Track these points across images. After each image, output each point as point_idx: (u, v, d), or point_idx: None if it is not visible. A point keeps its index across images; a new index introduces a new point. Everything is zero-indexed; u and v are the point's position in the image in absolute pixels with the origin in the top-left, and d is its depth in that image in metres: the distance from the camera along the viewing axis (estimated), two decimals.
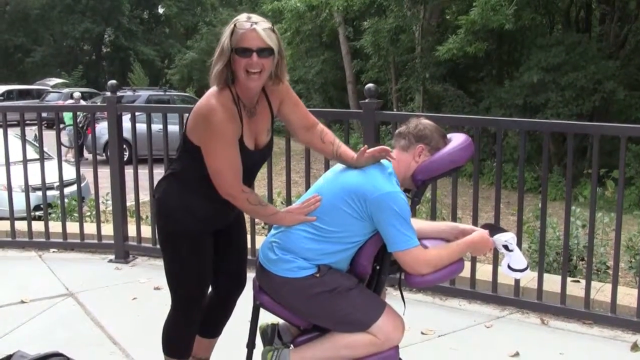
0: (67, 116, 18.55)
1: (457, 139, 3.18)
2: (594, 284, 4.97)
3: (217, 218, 3.20)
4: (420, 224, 3.26)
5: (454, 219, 5.18)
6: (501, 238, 3.15)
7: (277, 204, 7.20)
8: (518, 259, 3.17)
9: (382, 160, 3.10)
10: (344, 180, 3.06)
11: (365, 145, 3.09)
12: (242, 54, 2.87)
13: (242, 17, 2.94)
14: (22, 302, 5.07)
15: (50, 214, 7.40)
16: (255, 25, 2.89)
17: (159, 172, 4.00)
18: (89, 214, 7.83)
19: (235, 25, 2.89)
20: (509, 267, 3.18)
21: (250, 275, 3.32)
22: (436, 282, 3.11)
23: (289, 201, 5.65)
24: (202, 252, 3.18)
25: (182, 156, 3.11)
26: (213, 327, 3.51)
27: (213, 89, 2.97)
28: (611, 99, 17.17)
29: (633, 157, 15.23)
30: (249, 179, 3.10)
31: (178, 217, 3.11)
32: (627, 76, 17.72)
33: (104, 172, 6.11)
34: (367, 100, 5.28)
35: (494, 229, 3.25)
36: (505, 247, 3.14)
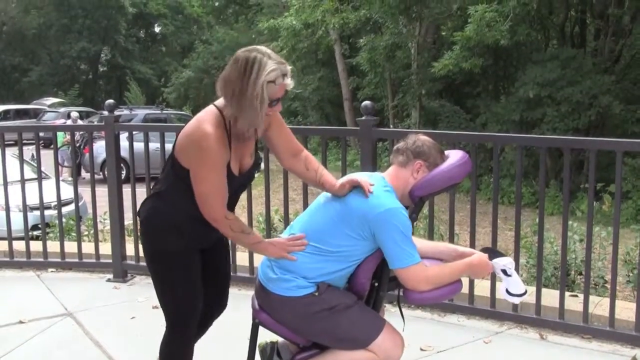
0: (59, 136, 18.55)
1: (454, 156, 3.20)
2: (592, 298, 4.97)
3: (202, 236, 3.19)
4: (420, 243, 3.27)
5: (452, 235, 5.19)
6: (500, 262, 3.17)
7: (275, 221, 7.21)
8: (516, 283, 3.19)
9: (379, 177, 3.12)
10: (343, 199, 3.07)
11: (344, 181, 3.10)
12: (271, 104, 2.93)
13: (278, 68, 2.90)
14: (21, 322, 5.05)
15: (48, 233, 7.40)
16: (288, 80, 2.92)
17: None
18: (86, 233, 7.82)
19: (274, 79, 2.88)
20: (507, 291, 3.20)
21: (249, 293, 3.33)
22: (435, 300, 3.13)
23: (286, 218, 5.65)
24: (192, 269, 3.18)
25: (168, 176, 3.11)
26: None
27: (205, 114, 2.98)
28: (607, 114, 17.20)
29: (630, 171, 15.24)
30: (232, 202, 3.12)
31: (165, 237, 3.11)
32: (623, 90, 17.77)
33: (102, 191, 6.11)
34: (364, 118, 5.30)
35: (493, 252, 3.27)
36: (504, 271, 3.16)
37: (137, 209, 3.36)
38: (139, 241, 3.30)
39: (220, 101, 3.01)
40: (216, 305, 3.44)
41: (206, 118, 2.95)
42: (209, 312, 3.40)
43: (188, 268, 3.16)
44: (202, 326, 3.45)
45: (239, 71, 2.86)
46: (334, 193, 3.14)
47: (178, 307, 3.22)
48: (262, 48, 2.94)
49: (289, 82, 2.92)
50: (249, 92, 2.83)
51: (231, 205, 3.10)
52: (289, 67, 2.94)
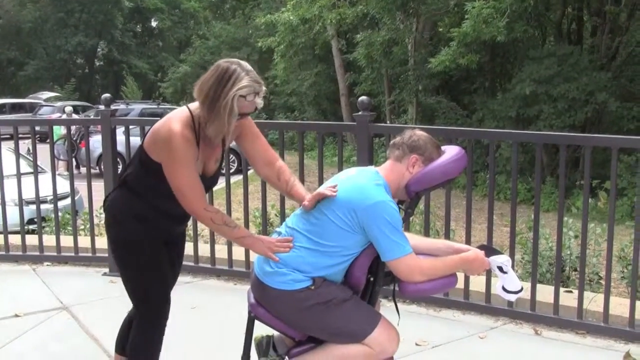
0: (55, 131, 18.53)
1: (450, 151, 3.21)
2: (586, 294, 4.99)
3: (166, 229, 3.28)
4: (416, 239, 3.28)
5: (448, 231, 5.20)
6: (497, 260, 3.18)
7: (271, 216, 7.21)
8: (512, 281, 3.20)
9: (372, 171, 3.13)
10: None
11: (311, 197, 3.12)
12: (239, 118, 3.03)
13: (252, 85, 2.98)
14: (16, 315, 5.06)
15: (44, 227, 7.39)
16: (258, 100, 3.02)
17: None
18: (82, 227, 7.82)
19: (245, 94, 2.96)
20: (503, 288, 3.21)
21: (245, 287, 3.34)
22: (430, 292, 3.14)
23: (283, 214, 5.66)
24: (159, 256, 3.25)
25: (137, 168, 3.18)
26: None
27: (176, 113, 3.10)
28: (603, 111, 17.22)
29: (625, 168, 15.25)
30: None
31: (132, 226, 3.18)
32: (619, 87, 17.78)
33: (98, 186, 6.12)
34: (360, 113, 5.30)
35: (489, 250, 3.28)
36: (500, 268, 3.17)
37: (104, 199, 3.42)
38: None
39: (194, 103, 3.12)
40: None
41: (176, 117, 3.07)
42: None
43: (156, 255, 3.23)
44: None
45: (216, 79, 2.97)
46: (303, 207, 3.17)
47: (150, 295, 3.27)
48: (244, 64, 3.04)
49: (259, 102, 3.03)
50: (220, 101, 2.94)
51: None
52: (263, 88, 3.04)
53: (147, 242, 3.20)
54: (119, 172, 6.19)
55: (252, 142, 3.34)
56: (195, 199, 3.07)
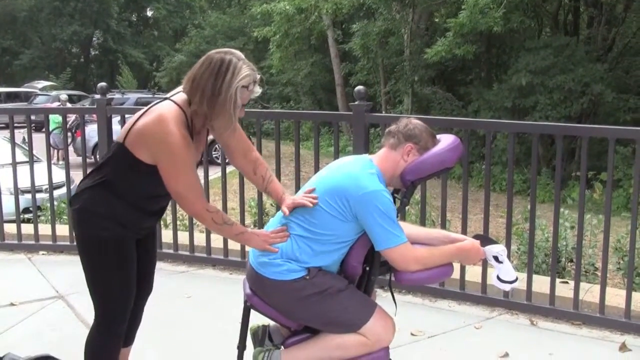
0: (53, 120, 18.50)
1: (446, 140, 3.20)
2: (582, 285, 5.00)
3: (142, 227, 3.17)
4: (412, 229, 3.28)
5: (444, 221, 5.20)
6: (492, 249, 3.18)
7: (267, 206, 7.21)
8: (508, 271, 3.20)
9: (365, 160, 3.12)
10: (327, 182, 3.08)
11: (289, 205, 3.12)
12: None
13: (252, 74, 2.91)
14: (12, 304, 5.05)
15: (39, 216, 7.38)
16: (256, 88, 2.95)
17: None
18: None
19: (247, 84, 2.89)
20: (498, 278, 3.21)
21: (241, 277, 3.33)
22: (425, 281, 3.14)
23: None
24: (130, 259, 3.12)
25: (116, 167, 3.02)
26: (126, 334, 3.38)
27: (167, 112, 2.90)
28: (599, 102, 17.25)
29: (621, 159, 15.29)
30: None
31: (105, 225, 3.02)
32: (615, 79, 17.82)
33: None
34: (357, 103, 5.29)
35: (485, 240, 3.28)
36: (496, 258, 3.17)
37: (71, 196, 3.22)
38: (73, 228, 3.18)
39: (178, 97, 2.98)
40: (144, 291, 3.41)
41: (168, 115, 2.88)
42: (138, 299, 3.32)
43: (126, 258, 3.10)
44: (135, 316, 3.40)
45: (212, 72, 2.85)
46: (282, 212, 3.16)
47: (114, 299, 3.14)
48: (237, 52, 2.94)
49: (257, 90, 2.95)
50: (222, 95, 2.84)
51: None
52: (258, 75, 2.95)
53: (118, 243, 3.06)
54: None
55: (232, 131, 3.16)
56: (196, 200, 2.98)
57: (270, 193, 3.32)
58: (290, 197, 3.18)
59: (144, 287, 3.40)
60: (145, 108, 3.01)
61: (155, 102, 3.04)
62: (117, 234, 3.04)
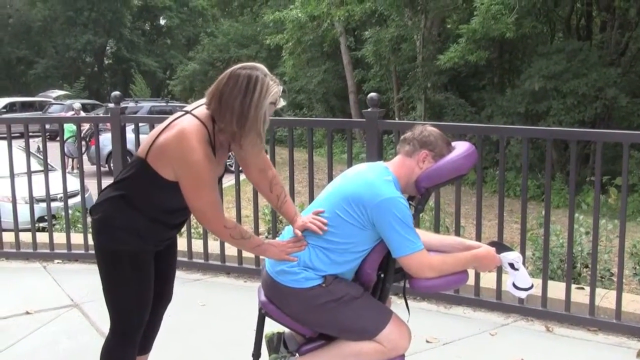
0: (67, 128, 18.59)
1: (460, 147, 3.19)
2: (598, 290, 4.96)
3: (162, 239, 3.16)
4: (426, 236, 3.27)
5: (458, 227, 5.19)
6: (508, 256, 3.17)
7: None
8: (523, 277, 3.18)
9: (381, 167, 3.12)
10: (343, 189, 3.08)
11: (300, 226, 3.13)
12: None
13: (278, 90, 2.87)
14: (27, 313, 5.07)
15: (54, 225, 7.41)
16: (281, 100, 2.91)
17: None
18: None
19: (275, 100, 2.86)
20: (514, 285, 3.20)
21: (255, 285, 3.33)
22: (440, 288, 3.13)
23: None
24: (147, 272, 3.11)
25: (137, 182, 3.00)
26: (143, 342, 3.37)
27: (189, 129, 2.85)
28: (613, 106, 17.18)
29: (635, 164, 15.21)
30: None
31: (124, 237, 3.01)
32: (629, 83, 17.74)
33: (108, 183, 6.11)
34: (370, 109, 5.29)
35: (500, 246, 3.26)
36: (511, 265, 3.16)
37: (91, 206, 3.20)
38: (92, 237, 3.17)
39: (199, 111, 2.93)
40: (163, 300, 3.41)
41: (191, 133, 2.84)
42: (156, 308, 3.31)
43: (144, 270, 3.09)
44: (154, 324, 3.41)
45: (240, 90, 2.79)
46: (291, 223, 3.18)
47: (130, 312, 3.13)
48: (261, 66, 2.88)
49: (282, 103, 2.91)
50: (252, 113, 2.79)
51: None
52: (281, 87, 2.90)
53: (137, 256, 3.05)
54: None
55: (259, 151, 3.15)
56: (216, 217, 2.97)
57: (283, 213, 3.31)
58: (301, 219, 3.17)
59: (164, 295, 3.40)
60: (167, 122, 2.96)
61: (176, 115, 2.99)
62: (136, 246, 3.03)
